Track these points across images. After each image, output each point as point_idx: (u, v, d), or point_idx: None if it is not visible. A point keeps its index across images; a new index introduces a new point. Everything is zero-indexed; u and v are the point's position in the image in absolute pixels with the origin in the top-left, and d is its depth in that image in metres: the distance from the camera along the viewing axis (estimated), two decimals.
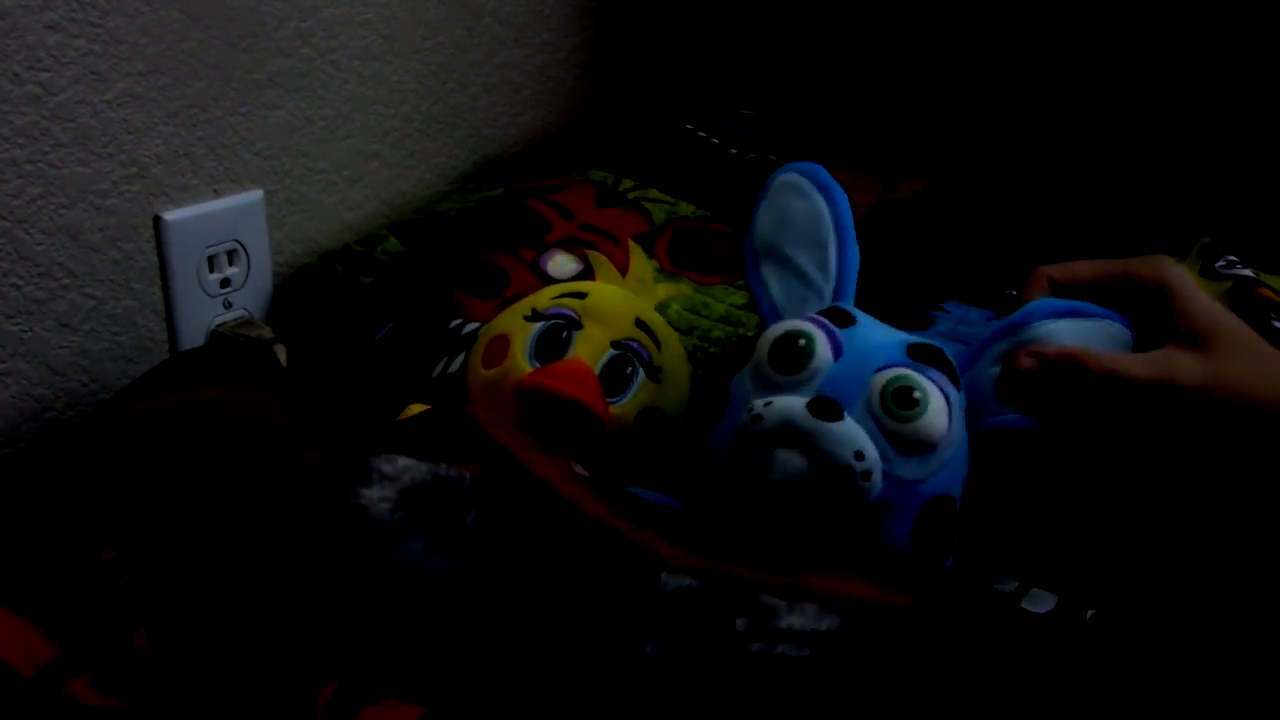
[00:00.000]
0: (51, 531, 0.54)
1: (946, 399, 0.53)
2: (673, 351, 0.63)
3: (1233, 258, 0.71)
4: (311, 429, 0.62)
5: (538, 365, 0.59)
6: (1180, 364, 0.55)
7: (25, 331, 0.69)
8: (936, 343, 0.55)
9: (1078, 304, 0.57)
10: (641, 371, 0.60)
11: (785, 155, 0.94)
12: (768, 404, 0.52)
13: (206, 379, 0.72)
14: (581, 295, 0.62)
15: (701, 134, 0.98)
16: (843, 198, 0.60)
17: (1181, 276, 0.58)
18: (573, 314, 0.61)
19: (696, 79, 1.12)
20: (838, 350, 0.53)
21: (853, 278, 0.59)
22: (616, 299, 0.63)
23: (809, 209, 0.60)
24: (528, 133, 1.06)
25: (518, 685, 0.44)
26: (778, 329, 0.55)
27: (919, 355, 0.54)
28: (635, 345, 0.60)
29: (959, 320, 0.70)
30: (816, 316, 0.56)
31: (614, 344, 0.60)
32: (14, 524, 0.56)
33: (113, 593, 0.50)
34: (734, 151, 0.95)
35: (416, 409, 0.59)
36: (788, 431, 0.51)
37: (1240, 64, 0.79)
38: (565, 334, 0.60)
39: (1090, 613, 0.53)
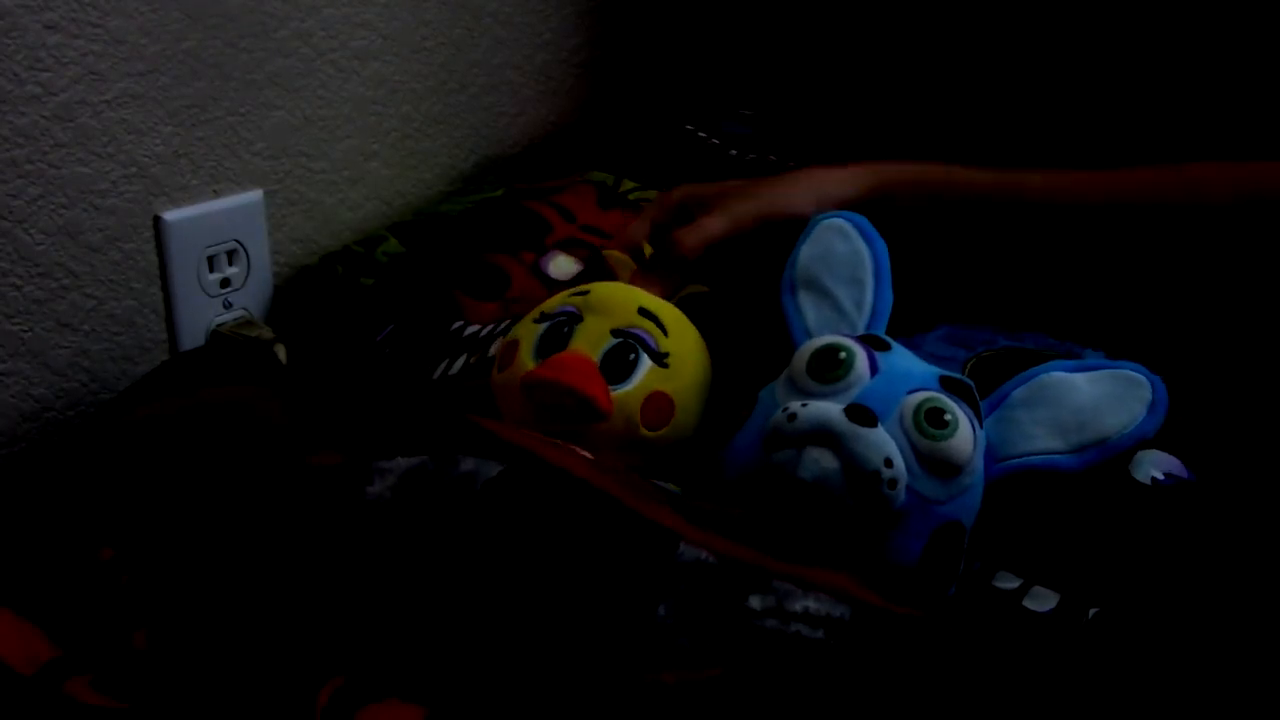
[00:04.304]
0: (51, 531, 0.54)
1: (973, 429, 0.54)
2: (683, 338, 0.62)
3: None
4: (313, 429, 0.62)
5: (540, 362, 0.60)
6: (736, 204, 0.69)
7: (25, 331, 0.69)
8: (967, 380, 0.57)
9: (1090, 361, 0.59)
10: (646, 357, 0.60)
11: (785, 155, 0.94)
12: (804, 405, 0.53)
13: (208, 380, 0.73)
14: (585, 293, 0.63)
15: (701, 134, 0.98)
16: (884, 247, 0.63)
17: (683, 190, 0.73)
18: (574, 310, 0.61)
19: (696, 79, 1.12)
20: (874, 368, 0.55)
21: (885, 317, 0.61)
22: (618, 291, 0.63)
23: (851, 250, 0.63)
24: (528, 133, 1.06)
25: (523, 665, 0.44)
26: (818, 340, 0.57)
27: (950, 387, 0.56)
28: (638, 332, 0.60)
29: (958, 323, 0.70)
30: (855, 337, 0.58)
31: (614, 332, 0.60)
32: (14, 524, 0.56)
33: (113, 593, 0.50)
34: (734, 152, 0.95)
35: None
36: (821, 432, 0.52)
37: (1241, 64, 0.79)
38: (566, 329, 0.60)
39: (1092, 611, 0.53)
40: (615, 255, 0.69)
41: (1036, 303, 0.72)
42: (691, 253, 0.67)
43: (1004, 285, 0.73)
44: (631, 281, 0.67)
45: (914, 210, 0.69)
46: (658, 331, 0.61)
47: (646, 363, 0.60)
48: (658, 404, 0.60)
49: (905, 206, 0.69)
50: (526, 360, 0.60)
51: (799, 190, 0.70)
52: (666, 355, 0.60)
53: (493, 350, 0.66)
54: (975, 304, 0.72)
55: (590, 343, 0.60)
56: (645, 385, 0.59)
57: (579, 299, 0.62)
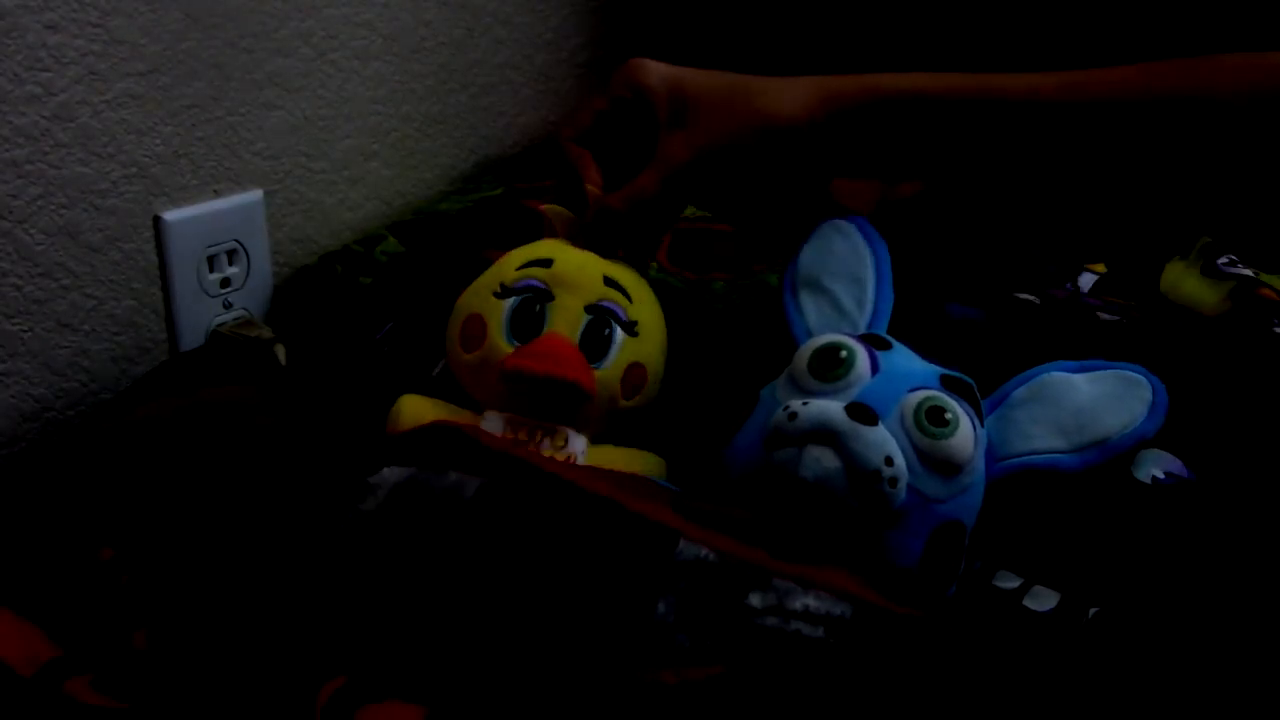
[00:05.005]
0: (51, 531, 0.54)
1: (974, 428, 0.54)
2: (644, 299, 0.63)
3: (1233, 256, 0.71)
4: (311, 429, 0.62)
5: (516, 344, 0.59)
6: (670, 150, 0.63)
7: (25, 331, 0.69)
8: (968, 379, 0.57)
9: (1091, 361, 0.59)
10: (620, 330, 0.60)
11: None
12: (805, 404, 0.53)
13: (208, 380, 0.73)
14: (547, 263, 0.61)
15: None
16: (884, 247, 0.63)
17: (644, 67, 0.65)
18: (541, 284, 0.60)
19: None
20: (875, 367, 0.55)
21: (886, 315, 0.61)
22: (582, 261, 0.62)
23: (852, 249, 0.63)
24: (528, 133, 1.06)
25: (522, 664, 0.44)
26: (819, 339, 0.57)
27: (951, 385, 0.56)
28: (608, 305, 0.60)
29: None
30: (856, 336, 0.58)
31: (587, 308, 0.60)
32: (14, 524, 0.56)
33: (113, 593, 0.50)
34: None
35: (409, 404, 0.59)
36: (822, 431, 0.52)
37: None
38: (538, 307, 0.60)
39: (1092, 611, 0.53)
40: (552, 210, 0.66)
41: (1033, 227, 0.69)
42: (624, 207, 0.64)
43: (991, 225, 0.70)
44: (572, 239, 0.65)
45: (871, 127, 0.64)
46: (624, 300, 0.61)
47: (620, 335, 0.60)
48: (634, 374, 0.60)
49: (860, 123, 0.63)
50: (499, 341, 0.59)
51: (739, 124, 0.64)
52: (635, 323, 0.61)
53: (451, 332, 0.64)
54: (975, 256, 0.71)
55: (568, 323, 0.59)
56: (622, 359, 0.60)
57: (541, 271, 0.61)
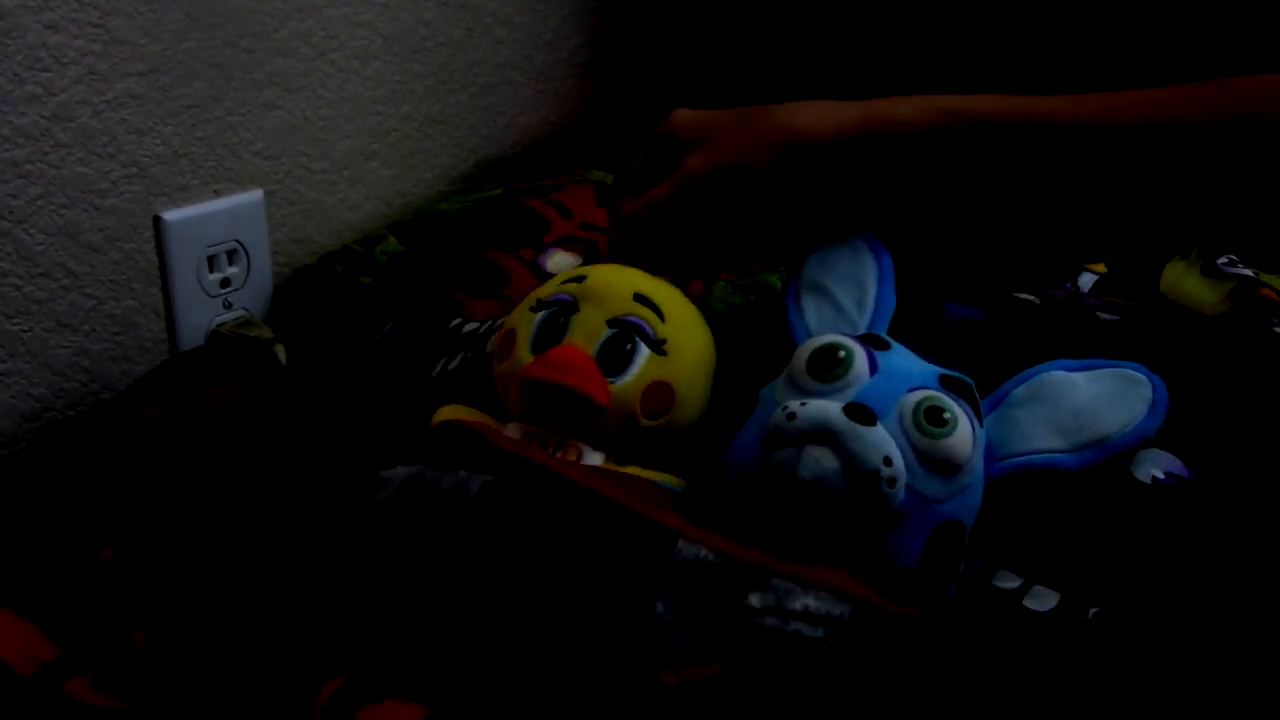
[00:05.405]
0: (51, 531, 0.54)
1: (973, 428, 0.54)
2: (682, 322, 0.62)
3: (1233, 256, 0.71)
4: (313, 429, 0.62)
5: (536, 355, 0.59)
6: (686, 163, 0.64)
7: (25, 331, 0.69)
8: (967, 379, 0.57)
9: (1091, 360, 0.59)
10: (644, 346, 0.59)
11: None
12: (803, 404, 0.53)
13: (208, 380, 0.73)
14: (581, 279, 0.62)
15: None
16: (888, 254, 0.63)
17: (676, 113, 0.68)
18: (569, 298, 0.61)
19: (696, 79, 1.12)
20: (874, 367, 0.55)
21: (887, 318, 0.61)
22: (613, 276, 0.62)
23: (855, 255, 0.63)
24: (528, 133, 1.06)
25: (522, 664, 0.44)
26: (818, 340, 0.57)
27: (950, 385, 0.56)
28: (634, 320, 0.60)
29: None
30: (855, 336, 0.58)
31: (610, 322, 0.59)
32: (14, 524, 0.56)
33: (113, 593, 0.50)
34: None
35: (445, 411, 0.61)
36: (821, 431, 0.52)
37: (1240, 63, 0.79)
38: (562, 320, 0.60)
39: (1092, 611, 0.53)
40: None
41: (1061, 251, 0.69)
42: (632, 217, 0.65)
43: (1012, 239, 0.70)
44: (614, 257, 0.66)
45: (907, 149, 0.63)
46: (655, 318, 0.60)
47: (644, 352, 0.59)
48: (657, 393, 0.59)
49: (896, 146, 0.63)
50: (524, 353, 0.60)
51: (766, 142, 0.64)
52: (664, 342, 0.60)
53: (490, 344, 0.65)
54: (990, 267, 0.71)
55: (586, 335, 0.59)
56: (644, 376, 0.59)
57: (574, 286, 0.61)
